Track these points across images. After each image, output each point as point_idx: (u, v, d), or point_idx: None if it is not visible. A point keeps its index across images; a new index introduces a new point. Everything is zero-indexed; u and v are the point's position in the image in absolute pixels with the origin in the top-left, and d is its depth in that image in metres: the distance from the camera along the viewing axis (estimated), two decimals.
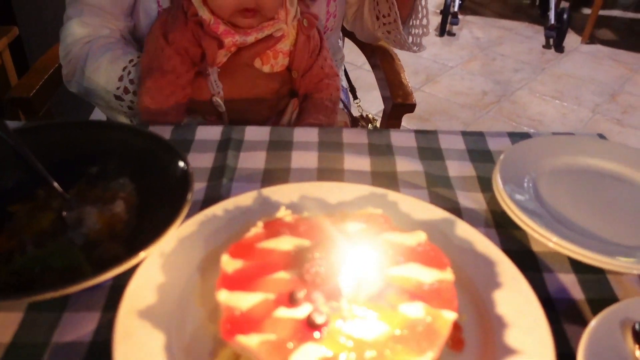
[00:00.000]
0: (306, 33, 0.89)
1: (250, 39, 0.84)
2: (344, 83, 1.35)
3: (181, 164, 0.57)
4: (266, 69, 0.88)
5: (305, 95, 0.95)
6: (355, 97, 1.39)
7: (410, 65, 2.97)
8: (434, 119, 2.60)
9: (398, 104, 1.11)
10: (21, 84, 1.10)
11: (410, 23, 1.06)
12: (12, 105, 1.06)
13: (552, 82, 2.98)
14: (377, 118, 1.34)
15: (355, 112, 1.36)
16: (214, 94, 0.86)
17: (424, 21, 1.05)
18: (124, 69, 0.87)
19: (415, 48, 1.08)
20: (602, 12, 3.44)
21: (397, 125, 1.14)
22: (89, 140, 0.64)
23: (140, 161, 0.62)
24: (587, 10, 3.80)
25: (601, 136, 0.80)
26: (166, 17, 0.86)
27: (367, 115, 1.36)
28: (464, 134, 0.80)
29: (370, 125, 1.34)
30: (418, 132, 0.80)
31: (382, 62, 1.27)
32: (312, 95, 0.94)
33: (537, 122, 2.62)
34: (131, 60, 0.87)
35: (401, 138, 0.78)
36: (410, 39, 1.06)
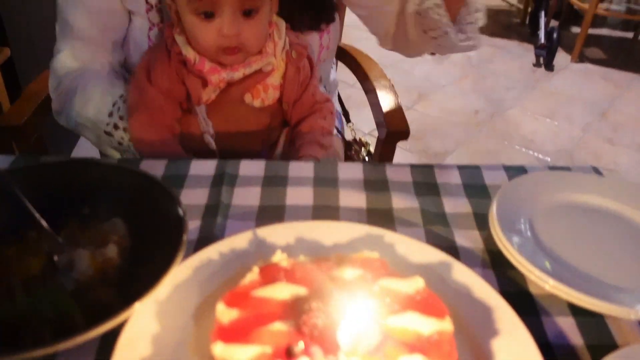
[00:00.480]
0: (295, 64, 0.89)
1: (238, 74, 0.83)
2: (337, 107, 1.35)
3: (175, 206, 0.56)
4: (257, 103, 0.88)
5: (299, 122, 0.94)
6: (348, 121, 1.39)
7: (403, 84, 2.98)
8: (426, 137, 2.61)
9: (393, 131, 1.11)
10: (12, 111, 1.09)
11: (461, 20, 0.96)
12: (3, 133, 1.05)
13: (543, 100, 3.00)
14: (370, 142, 1.34)
15: (349, 136, 1.36)
16: (204, 131, 0.85)
17: (477, 14, 0.97)
18: (113, 104, 0.86)
19: (471, 43, 0.97)
20: (591, 31, 3.48)
21: (391, 151, 1.14)
22: (80, 179, 0.63)
23: (133, 201, 0.61)
24: (576, 29, 3.85)
25: (596, 170, 0.80)
26: (150, 56, 0.85)
27: (360, 139, 1.36)
28: (460, 167, 0.80)
29: (363, 150, 1.34)
30: (414, 167, 0.79)
31: (376, 87, 1.27)
32: (305, 123, 0.94)
33: (529, 141, 2.63)
34: (121, 96, 0.87)
35: (397, 173, 0.78)
36: (463, 37, 0.97)
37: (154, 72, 0.82)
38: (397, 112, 1.16)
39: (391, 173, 0.78)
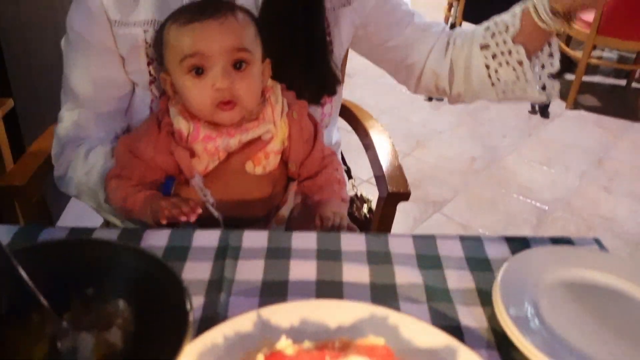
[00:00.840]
0: (298, 124, 0.89)
1: (234, 141, 0.83)
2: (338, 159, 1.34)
3: (181, 294, 0.56)
4: (258, 170, 0.88)
5: (311, 177, 0.94)
6: (349, 177, 1.40)
7: (400, 130, 3.02)
8: (424, 185, 2.63)
9: (393, 193, 1.12)
10: (15, 171, 1.09)
11: (536, 62, 0.93)
12: (5, 193, 1.06)
13: (539, 147, 3.03)
14: (371, 199, 1.35)
15: (350, 192, 1.36)
16: (204, 200, 0.85)
17: (553, 59, 0.93)
18: None
19: (546, 92, 0.94)
20: (584, 78, 3.55)
21: (392, 213, 1.14)
22: (83, 258, 0.63)
23: (138, 282, 0.60)
24: (570, 76, 3.92)
25: (598, 242, 0.81)
26: (137, 128, 0.87)
27: (361, 195, 1.37)
28: (462, 239, 0.80)
29: (365, 206, 1.35)
30: (416, 238, 0.80)
31: (376, 144, 1.29)
32: (321, 176, 0.94)
33: (526, 189, 2.65)
34: None
35: (399, 244, 0.78)
36: (538, 86, 0.93)
37: (140, 143, 0.83)
38: (398, 172, 1.17)
39: (394, 244, 0.78)
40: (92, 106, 0.91)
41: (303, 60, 0.91)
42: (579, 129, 3.27)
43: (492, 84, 0.96)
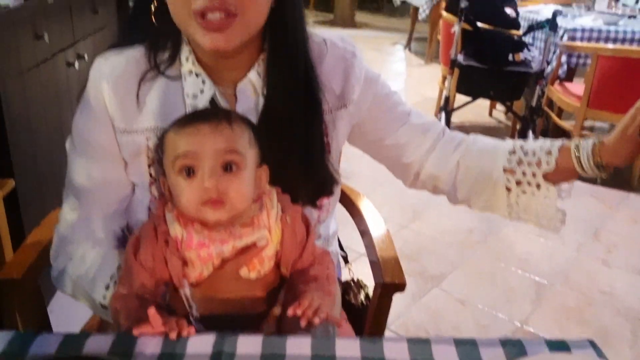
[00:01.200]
0: (292, 228, 0.89)
1: (227, 248, 0.83)
2: (337, 249, 1.34)
3: None
4: (253, 275, 0.87)
5: (299, 272, 0.93)
6: (346, 262, 1.40)
7: (397, 201, 3.04)
8: (422, 258, 2.62)
9: (388, 283, 1.12)
10: (14, 262, 1.10)
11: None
12: (2, 286, 1.06)
13: None
14: (368, 284, 1.34)
15: (347, 276, 1.36)
16: (189, 313, 0.84)
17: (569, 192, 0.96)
18: (111, 277, 0.88)
19: (560, 218, 0.96)
20: None
21: (388, 304, 1.14)
22: None
23: None
24: None
25: (593, 344, 0.80)
26: (141, 231, 0.87)
27: (358, 281, 1.36)
28: (457, 342, 0.80)
29: (362, 292, 1.34)
30: (411, 342, 0.79)
31: (372, 231, 1.30)
32: (311, 271, 0.92)
33: (524, 261, 2.65)
34: (119, 267, 0.88)
35: (394, 349, 0.78)
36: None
37: (142, 249, 0.84)
38: (394, 262, 1.17)
39: (389, 349, 0.78)
40: (93, 207, 0.93)
41: (301, 163, 0.93)
42: (574, 200, 3.20)
43: (508, 204, 0.98)
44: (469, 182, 1.03)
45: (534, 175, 0.94)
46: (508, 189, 0.98)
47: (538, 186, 0.94)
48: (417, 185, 1.10)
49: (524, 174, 0.95)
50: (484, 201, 1.03)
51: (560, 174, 0.94)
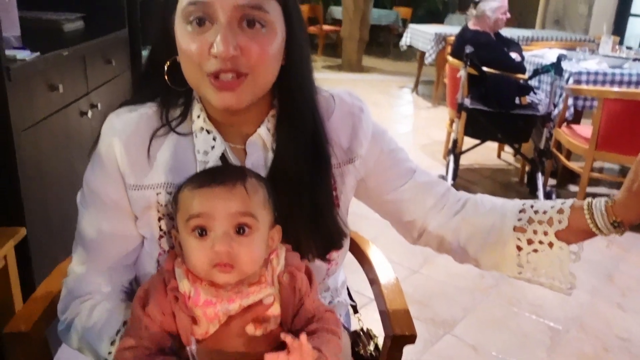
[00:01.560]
0: (292, 286, 0.88)
1: (234, 306, 0.82)
2: (346, 299, 1.32)
3: None
4: (259, 332, 0.86)
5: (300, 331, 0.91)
6: (355, 312, 1.38)
7: (408, 246, 2.94)
8: (433, 303, 2.58)
9: (398, 335, 1.10)
10: (22, 315, 1.10)
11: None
12: (10, 339, 1.06)
13: None
14: (378, 335, 1.32)
15: (356, 326, 1.34)
16: None
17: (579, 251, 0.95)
18: (117, 332, 0.87)
19: (571, 281, 0.94)
20: (589, 189, 3.59)
21: (398, 357, 1.12)
22: None
23: None
24: (574, 187, 3.98)
25: None
26: (150, 284, 0.86)
27: (368, 331, 1.34)
28: None
29: (372, 343, 1.31)
30: None
31: (381, 279, 1.29)
32: (312, 326, 0.91)
33: (537, 306, 2.60)
34: (125, 322, 0.88)
35: None
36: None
37: (151, 303, 0.83)
38: (403, 313, 1.16)
39: None
40: (102, 260, 0.93)
41: (310, 218, 0.92)
42: (586, 242, 3.24)
43: (518, 264, 0.97)
44: (477, 242, 1.02)
45: (545, 233, 0.93)
46: (519, 248, 0.97)
47: (550, 245, 0.93)
48: (420, 242, 1.10)
49: (534, 232, 0.94)
50: (493, 260, 1.01)
51: (573, 234, 0.93)
